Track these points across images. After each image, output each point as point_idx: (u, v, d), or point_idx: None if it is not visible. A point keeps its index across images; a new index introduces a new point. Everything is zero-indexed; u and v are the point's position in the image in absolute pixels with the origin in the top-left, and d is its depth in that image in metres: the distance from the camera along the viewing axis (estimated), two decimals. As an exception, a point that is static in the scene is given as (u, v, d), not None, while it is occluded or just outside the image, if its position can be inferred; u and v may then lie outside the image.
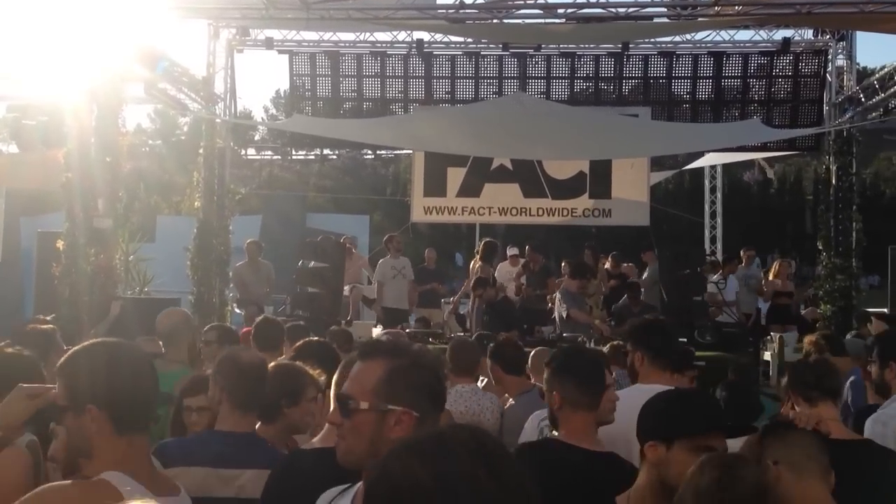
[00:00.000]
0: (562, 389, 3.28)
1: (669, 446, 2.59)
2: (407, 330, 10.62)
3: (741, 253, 13.33)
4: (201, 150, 13.19)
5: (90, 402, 2.29)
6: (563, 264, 12.87)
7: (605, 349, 6.49)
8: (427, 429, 1.86)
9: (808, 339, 6.01)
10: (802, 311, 13.45)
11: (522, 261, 12.73)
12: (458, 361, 5.44)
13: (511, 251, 13.38)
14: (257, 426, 3.53)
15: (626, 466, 3.19)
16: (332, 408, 2.73)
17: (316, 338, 4.89)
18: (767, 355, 10.21)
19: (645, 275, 12.68)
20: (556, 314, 11.07)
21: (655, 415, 2.71)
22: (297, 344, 4.35)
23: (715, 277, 12.27)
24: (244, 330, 7.70)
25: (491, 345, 5.77)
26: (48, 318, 6.74)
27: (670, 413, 2.69)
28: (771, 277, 12.71)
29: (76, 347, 2.45)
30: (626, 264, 13.45)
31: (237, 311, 12.79)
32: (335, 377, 2.76)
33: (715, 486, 2.28)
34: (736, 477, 2.29)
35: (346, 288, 12.57)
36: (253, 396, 3.37)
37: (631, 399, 3.45)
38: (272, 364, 3.72)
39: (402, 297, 12.41)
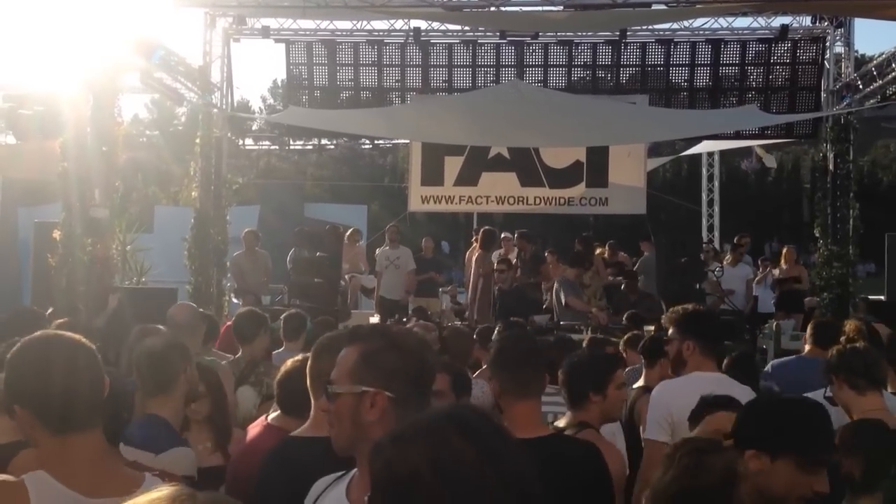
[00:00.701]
0: (500, 379, 3.24)
1: (774, 458, 2.43)
2: (403, 319, 10.63)
3: (735, 240, 13.38)
4: (198, 141, 13.15)
5: (15, 401, 2.26)
6: (546, 253, 12.89)
7: (623, 340, 6.48)
8: (410, 412, 1.89)
9: (851, 324, 5.93)
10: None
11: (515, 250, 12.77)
12: (451, 350, 5.49)
13: (505, 235, 13.45)
14: (276, 417, 3.54)
15: (573, 446, 3.19)
16: (312, 396, 2.77)
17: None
18: (764, 345, 10.22)
19: (637, 265, 12.72)
20: (553, 302, 11.08)
21: (766, 423, 2.52)
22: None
23: (713, 266, 12.29)
24: (227, 325, 7.72)
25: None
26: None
27: (787, 425, 2.49)
28: (782, 264, 12.81)
29: (20, 342, 2.38)
30: (621, 254, 13.48)
31: (234, 300, 12.80)
32: (308, 364, 2.79)
33: (685, 473, 2.28)
34: (706, 464, 2.28)
35: (347, 277, 12.62)
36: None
37: (697, 385, 3.48)
38: (299, 357, 3.65)
39: (398, 286, 12.44)
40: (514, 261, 12.34)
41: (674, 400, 3.95)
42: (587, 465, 3.02)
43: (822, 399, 3.88)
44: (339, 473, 2.14)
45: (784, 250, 13.46)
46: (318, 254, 11.55)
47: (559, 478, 2.71)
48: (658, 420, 4.01)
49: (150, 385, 3.60)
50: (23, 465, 2.70)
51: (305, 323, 6.21)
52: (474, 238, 13.09)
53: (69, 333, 2.44)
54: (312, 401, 2.80)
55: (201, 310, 6.68)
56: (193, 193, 13.19)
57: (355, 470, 2.08)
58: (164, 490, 1.46)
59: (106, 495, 2.16)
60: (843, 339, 5.54)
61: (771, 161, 20.75)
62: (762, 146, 19.80)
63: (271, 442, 3.15)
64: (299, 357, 3.61)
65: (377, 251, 12.97)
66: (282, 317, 6.33)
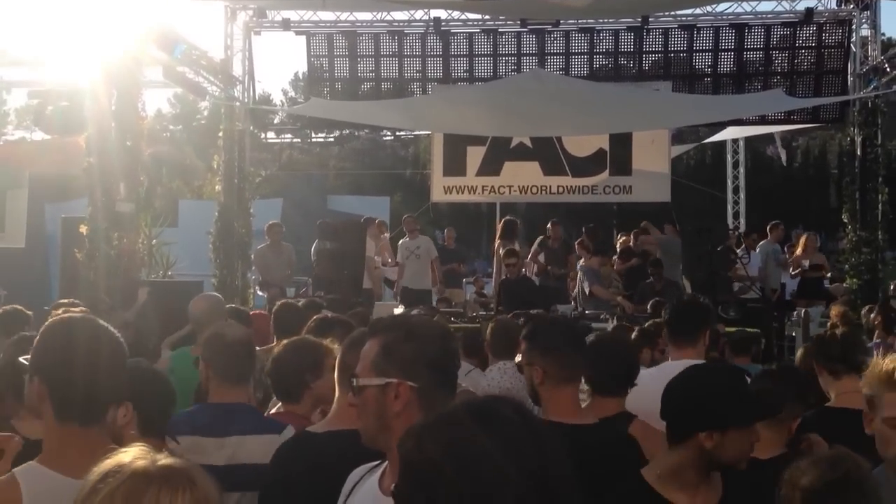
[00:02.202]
0: (543, 364, 3.17)
1: (724, 432, 2.54)
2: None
3: (767, 228, 13.22)
4: (221, 135, 13.23)
5: (35, 372, 2.28)
6: (576, 243, 12.84)
7: (634, 334, 6.41)
8: (435, 401, 1.89)
9: (834, 310, 5.96)
10: (828, 286, 13.35)
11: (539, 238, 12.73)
12: (499, 341, 5.36)
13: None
14: (278, 408, 3.57)
15: (618, 433, 3.18)
16: (336, 389, 2.78)
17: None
18: (793, 331, 10.14)
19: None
20: (577, 291, 11.04)
21: (707, 405, 2.61)
22: (311, 322, 4.36)
23: (739, 252, 12.19)
24: (253, 312, 7.74)
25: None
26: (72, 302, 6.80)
27: (724, 404, 2.60)
28: (798, 251, 12.65)
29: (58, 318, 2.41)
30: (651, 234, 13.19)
31: (259, 293, 12.87)
32: (338, 358, 2.80)
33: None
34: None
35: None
36: (239, 369, 3.52)
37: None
38: (285, 342, 3.74)
39: (420, 277, 12.43)
40: (523, 250, 12.30)
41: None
42: (625, 456, 3.00)
43: None
44: (374, 464, 2.14)
45: (802, 238, 13.25)
46: (341, 246, 11.56)
47: (594, 466, 2.70)
48: None
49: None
50: None
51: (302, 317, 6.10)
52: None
53: (104, 323, 2.45)
54: (337, 394, 2.80)
55: (230, 305, 6.69)
56: (217, 187, 13.28)
57: (387, 462, 2.09)
58: (134, 449, 1.62)
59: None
60: (828, 324, 5.56)
61: (784, 157, 20.48)
62: (782, 137, 19.59)
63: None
64: (283, 342, 3.68)
65: (399, 243, 12.99)
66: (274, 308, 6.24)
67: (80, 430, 2.24)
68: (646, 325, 5.79)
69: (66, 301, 6.49)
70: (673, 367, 4.10)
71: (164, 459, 1.60)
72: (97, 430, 2.27)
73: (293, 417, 3.44)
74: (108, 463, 1.59)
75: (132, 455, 1.60)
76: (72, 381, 2.24)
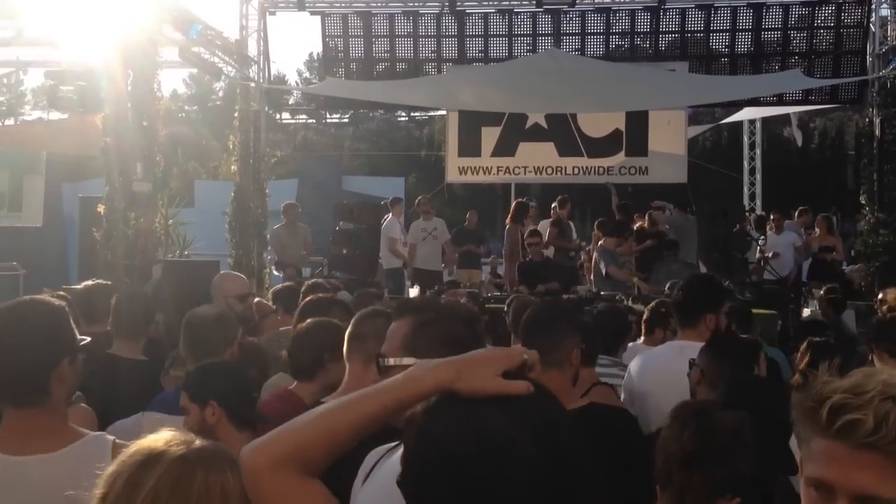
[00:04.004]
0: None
1: None
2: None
3: (796, 213, 13.25)
4: (236, 115, 13.26)
5: None
6: (595, 224, 12.83)
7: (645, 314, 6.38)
8: None
9: (892, 293, 5.91)
10: (846, 269, 13.30)
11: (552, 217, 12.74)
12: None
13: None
14: (294, 385, 3.60)
15: (613, 411, 3.22)
16: (347, 364, 2.81)
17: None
18: (808, 312, 10.09)
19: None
20: (593, 272, 11.05)
21: None
22: (304, 302, 4.40)
23: (757, 235, 12.17)
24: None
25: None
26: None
27: None
28: (818, 233, 12.65)
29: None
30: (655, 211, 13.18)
31: (275, 273, 12.93)
32: (348, 331, 2.84)
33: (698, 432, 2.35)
34: (718, 422, 2.36)
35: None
36: (206, 349, 3.61)
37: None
38: (310, 321, 3.77)
39: (434, 258, 12.45)
40: (546, 230, 12.32)
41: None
42: (623, 431, 3.04)
43: None
44: (392, 444, 2.17)
45: (817, 220, 13.26)
46: (357, 227, 11.60)
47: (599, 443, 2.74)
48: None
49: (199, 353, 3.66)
50: None
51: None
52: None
53: (36, 300, 2.49)
54: (348, 367, 2.83)
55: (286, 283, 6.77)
56: (233, 167, 13.33)
57: None
58: (164, 434, 1.58)
59: (33, 452, 2.23)
60: (885, 307, 5.50)
61: (799, 138, 20.30)
62: (800, 117, 19.41)
63: (282, 406, 3.28)
64: (309, 321, 3.73)
65: (412, 223, 12.95)
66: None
67: (17, 412, 2.30)
68: (654, 303, 5.76)
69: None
70: (670, 347, 4.14)
71: (197, 442, 1.59)
72: (41, 410, 2.30)
73: (291, 399, 3.46)
74: (137, 451, 1.55)
75: (164, 441, 1.57)
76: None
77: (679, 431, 2.39)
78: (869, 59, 12.79)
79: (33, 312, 2.38)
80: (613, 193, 13.30)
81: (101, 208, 9.66)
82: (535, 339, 3.14)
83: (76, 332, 2.46)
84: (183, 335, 3.82)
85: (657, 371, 3.96)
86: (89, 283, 5.39)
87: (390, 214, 12.84)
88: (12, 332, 2.31)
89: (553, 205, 13.37)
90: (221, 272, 6.86)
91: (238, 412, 3.04)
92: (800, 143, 20.66)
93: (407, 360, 2.08)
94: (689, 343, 3.82)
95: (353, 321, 2.94)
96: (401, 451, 2.09)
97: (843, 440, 1.32)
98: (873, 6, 12.73)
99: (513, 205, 12.48)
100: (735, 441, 2.34)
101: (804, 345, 5.06)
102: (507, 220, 12.44)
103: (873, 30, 12.68)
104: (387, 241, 12.26)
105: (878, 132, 12.17)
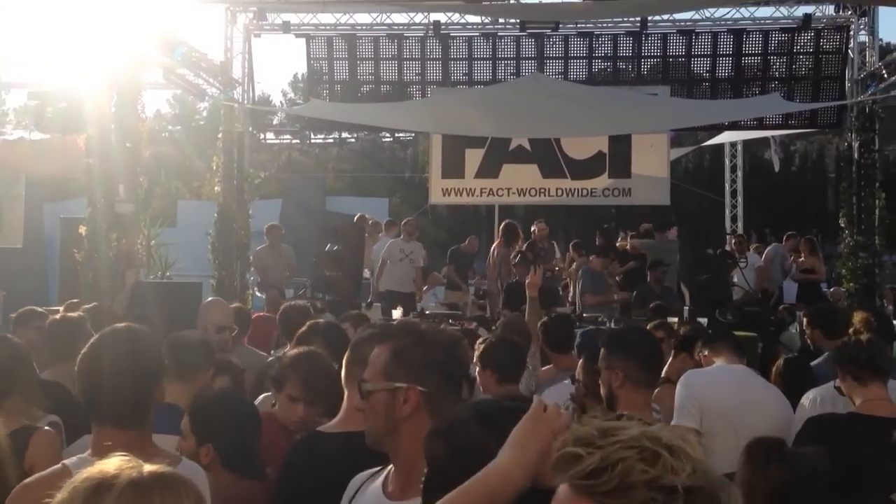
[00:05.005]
0: (625, 368, 3.29)
1: None
2: (427, 312, 10.65)
3: (784, 237, 13.40)
4: (220, 136, 13.25)
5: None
6: (571, 245, 12.91)
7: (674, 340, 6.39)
8: (443, 405, 1.93)
9: (858, 316, 5.97)
10: (830, 290, 13.44)
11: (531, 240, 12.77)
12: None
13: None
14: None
15: None
16: (345, 392, 2.81)
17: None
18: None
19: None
20: (574, 294, 11.08)
21: None
22: (302, 330, 4.37)
23: (740, 258, 12.25)
24: (256, 315, 7.76)
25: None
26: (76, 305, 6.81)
27: None
28: (803, 257, 12.76)
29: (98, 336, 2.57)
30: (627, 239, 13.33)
31: (258, 294, 12.89)
32: (345, 358, 2.83)
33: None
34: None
35: (367, 271, 12.59)
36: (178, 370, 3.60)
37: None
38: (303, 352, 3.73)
39: (407, 280, 12.30)
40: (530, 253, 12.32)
41: (704, 388, 4.24)
42: None
43: (832, 389, 4.00)
44: (376, 469, 2.18)
45: (801, 243, 13.40)
46: (339, 247, 11.55)
47: None
48: (688, 406, 4.20)
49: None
50: (36, 449, 2.86)
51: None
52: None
53: (133, 328, 2.63)
54: (346, 396, 2.83)
55: (235, 304, 6.70)
56: (216, 188, 13.29)
57: (390, 466, 2.12)
58: (114, 460, 1.54)
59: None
60: (850, 330, 5.57)
61: (777, 163, 20.49)
62: (780, 142, 19.60)
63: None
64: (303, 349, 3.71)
65: (390, 241, 12.75)
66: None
67: (113, 431, 2.39)
68: (682, 330, 5.94)
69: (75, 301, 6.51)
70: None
71: (150, 466, 1.56)
72: (142, 431, 2.45)
73: (270, 421, 3.47)
74: (88, 477, 1.51)
75: (115, 465, 1.53)
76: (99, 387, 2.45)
77: (763, 467, 2.45)
78: (848, 84, 12.96)
79: (143, 336, 2.55)
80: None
81: (82, 229, 9.62)
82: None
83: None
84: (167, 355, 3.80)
85: None
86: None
87: (383, 235, 12.82)
88: (112, 357, 2.46)
89: (532, 228, 13.41)
90: (211, 299, 6.78)
91: (230, 460, 3.07)
92: (777, 168, 20.84)
93: (386, 385, 2.10)
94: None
95: (350, 346, 2.93)
96: (382, 476, 2.11)
97: (562, 474, 1.17)
98: (852, 32, 12.91)
99: (502, 227, 12.45)
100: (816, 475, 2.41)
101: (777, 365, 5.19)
102: (497, 243, 12.38)
103: (852, 55, 12.87)
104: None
105: (856, 156, 12.33)
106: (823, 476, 2.42)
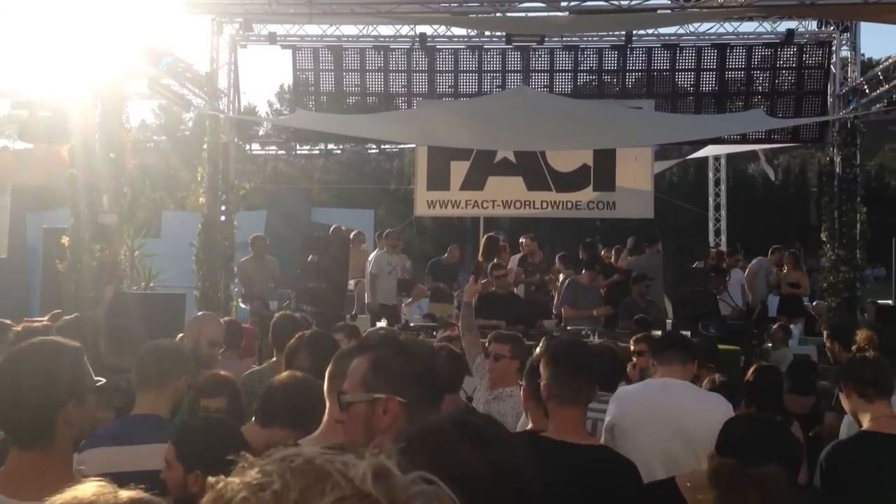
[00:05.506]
0: (553, 385, 3.25)
1: None
2: (412, 324, 10.63)
3: (769, 251, 13.50)
4: (205, 146, 13.20)
5: None
6: (557, 257, 12.92)
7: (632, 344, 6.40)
8: (421, 416, 1.93)
9: (862, 334, 6.01)
10: (813, 304, 13.52)
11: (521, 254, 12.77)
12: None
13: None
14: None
15: (620, 459, 3.25)
16: (328, 404, 2.80)
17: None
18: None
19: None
20: (557, 306, 11.11)
21: None
22: (291, 342, 4.32)
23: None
24: (245, 325, 7.73)
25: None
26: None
27: None
28: (785, 270, 12.84)
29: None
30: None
31: (242, 305, 12.84)
32: (328, 370, 2.82)
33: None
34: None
35: (352, 282, 12.57)
36: (147, 378, 3.61)
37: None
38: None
39: (391, 292, 12.34)
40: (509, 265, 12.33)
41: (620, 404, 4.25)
42: (625, 482, 3.08)
43: None
44: None
45: (785, 256, 13.48)
46: (325, 259, 11.54)
47: (596, 486, 2.90)
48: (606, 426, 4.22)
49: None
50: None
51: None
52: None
53: (48, 342, 2.51)
54: (327, 409, 2.82)
55: (227, 318, 6.65)
56: (201, 199, 13.24)
57: None
58: (89, 486, 1.48)
59: (26, 499, 2.17)
60: (854, 348, 5.60)
61: (772, 173, 20.58)
62: (766, 154, 19.74)
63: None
64: (287, 374, 3.70)
65: (377, 254, 12.75)
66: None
67: (19, 453, 2.29)
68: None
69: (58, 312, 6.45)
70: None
71: (126, 492, 1.50)
72: (45, 453, 2.28)
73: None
74: (63, 503, 1.45)
75: (92, 491, 1.46)
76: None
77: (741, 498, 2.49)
78: (830, 99, 13.08)
79: (38, 355, 2.38)
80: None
81: (65, 240, 9.57)
82: None
83: (89, 374, 2.44)
84: (136, 364, 3.75)
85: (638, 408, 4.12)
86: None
87: (366, 246, 12.77)
88: (15, 374, 2.32)
89: (521, 240, 13.41)
90: (203, 313, 6.69)
91: None
92: (773, 177, 20.94)
93: (365, 396, 2.11)
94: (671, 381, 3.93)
95: (333, 359, 2.92)
96: None
97: None
98: (834, 48, 13.05)
99: (483, 241, 12.46)
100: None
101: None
102: (479, 257, 12.40)
103: (834, 71, 12.99)
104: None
105: (838, 171, 12.44)
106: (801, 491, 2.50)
